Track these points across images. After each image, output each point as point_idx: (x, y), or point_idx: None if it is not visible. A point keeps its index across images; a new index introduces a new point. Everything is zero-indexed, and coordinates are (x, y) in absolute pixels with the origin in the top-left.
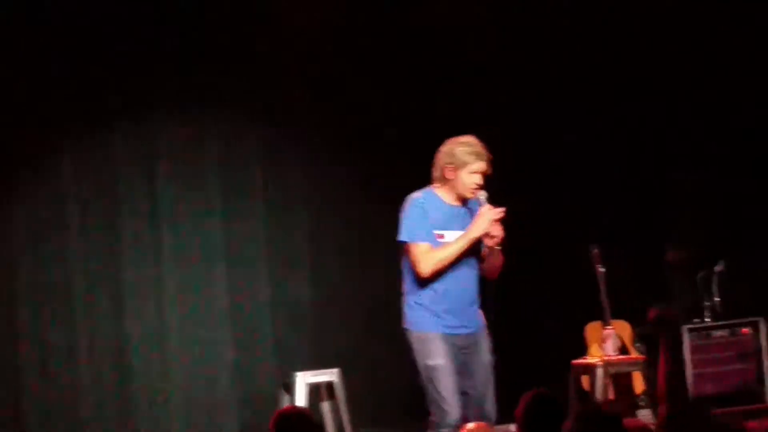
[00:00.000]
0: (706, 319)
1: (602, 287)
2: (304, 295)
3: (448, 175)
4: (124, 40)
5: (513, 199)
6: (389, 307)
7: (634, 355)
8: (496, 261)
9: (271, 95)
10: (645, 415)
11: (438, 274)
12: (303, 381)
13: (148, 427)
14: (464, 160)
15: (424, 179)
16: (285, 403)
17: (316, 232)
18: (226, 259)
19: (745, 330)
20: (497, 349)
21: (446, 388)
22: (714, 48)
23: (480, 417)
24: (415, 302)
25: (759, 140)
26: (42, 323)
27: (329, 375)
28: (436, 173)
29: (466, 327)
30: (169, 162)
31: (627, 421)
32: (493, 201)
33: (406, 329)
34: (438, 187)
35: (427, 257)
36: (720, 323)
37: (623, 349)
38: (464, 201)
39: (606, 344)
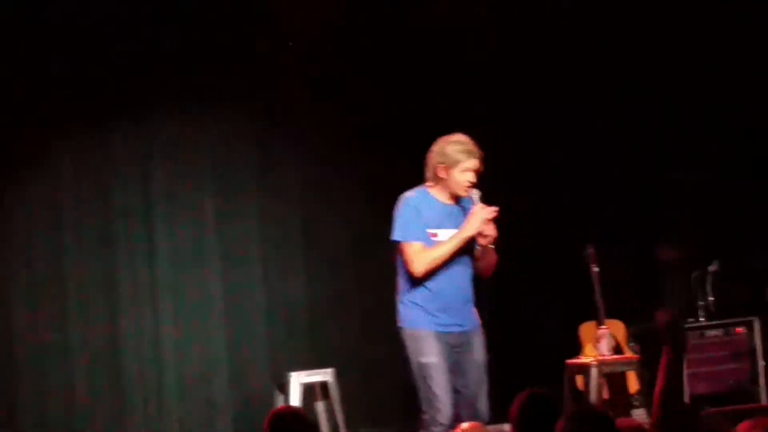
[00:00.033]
0: (700, 319)
1: (596, 287)
2: (299, 295)
3: (441, 174)
4: (124, 40)
5: (513, 199)
6: (383, 307)
7: (629, 354)
8: (490, 260)
9: (271, 95)
10: (639, 415)
11: (432, 273)
12: (297, 381)
13: (143, 427)
14: (456, 158)
15: (423, 179)
16: (279, 402)
17: (312, 232)
18: (221, 259)
19: (739, 329)
20: (492, 348)
21: (439, 386)
22: (714, 48)
23: (473, 416)
24: (409, 300)
25: (759, 140)
26: (37, 324)
27: (323, 375)
28: (428, 173)
29: (459, 325)
30: (165, 162)
31: (621, 421)
32: (493, 200)
33: (400, 327)
34: (431, 186)
35: (420, 257)
36: (714, 323)
37: (617, 349)
38: (457, 199)
39: (600, 344)
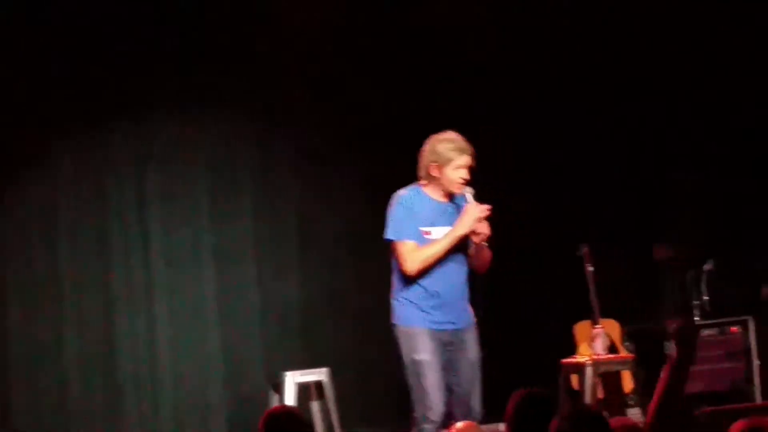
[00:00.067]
0: (696, 318)
1: (591, 286)
2: (294, 294)
3: (434, 172)
4: (124, 40)
5: (512, 199)
6: (378, 306)
7: (624, 354)
8: (484, 257)
9: (271, 95)
10: (634, 414)
11: (426, 271)
12: (292, 380)
13: (137, 427)
14: (448, 156)
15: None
16: (274, 402)
17: (307, 232)
18: (216, 259)
19: (734, 329)
20: (487, 346)
21: (430, 384)
22: (714, 48)
23: (466, 414)
24: (403, 298)
25: (756, 140)
26: (31, 323)
27: (318, 374)
28: (421, 172)
29: (453, 323)
30: (165, 162)
31: (616, 420)
32: (493, 200)
33: (393, 324)
34: (425, 184)
35: (412, 256)
36: (709, 322)
37: (612, 348)
38: (451, 197)
39: (595, 343)
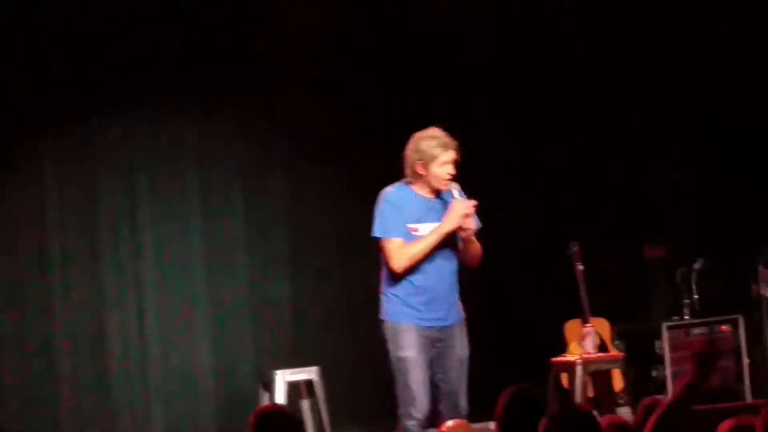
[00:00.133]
0: (685, 317)
1: (581, 285)
2: (284, 293)
3: (420, 170)
4: (124, 40)
5: (513, 199)
6: (369, 305)
7: (614, 352)
8: (474, 251)
9: (271, 95)
10: (624, 413)
11: (414, 267)
12: (282, 379)
13: (127, 425)
14: (432, 153)
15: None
16: (264, 401)
17: (299, 231)
18: (207, 257)
19: (725, 327)
20: (479, 344)
21: (414, 381)
22: (714, 48)
23: (452, 411)
24: (392, 294)
25: (759, 140)
26: (20, 322)
27: (308, 373)
28: (407, 171)
29: (441, 320)
30: (164, 161)
31: (606, 419)
32: (493, 200)
33: (381, 320)
34: (411, 181)
35: (399, 253)
36: (699, 320)
37: (602, 347)
38: (438, 193)
39: (585, 342)
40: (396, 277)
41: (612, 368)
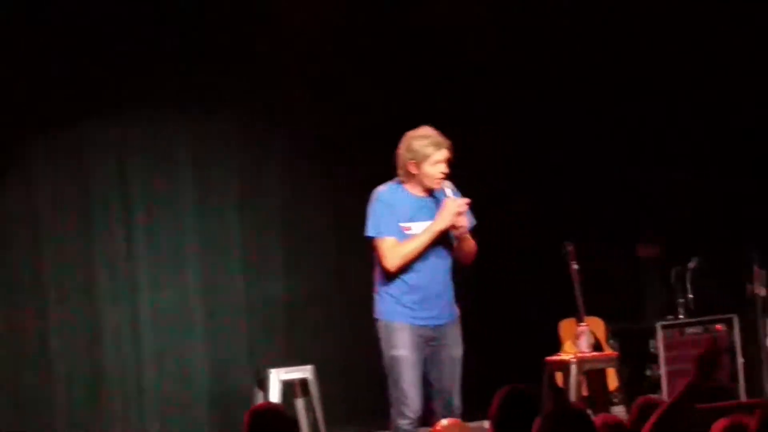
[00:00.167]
0: (680, 316)
1: (576, 284)
2: (279, 291)
3: (412, 170)
4: (124, 40)
5: (512, 199)
6: (364, 304)
7: (608, 351)
8: (468, 248)
9: (271, 95)
10: (619, 412)
11: (408, 266)
12: (277, 378)
13: (121, 424)
14: (425, 152)
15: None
16: (259, 399)
17: (294, 230)
18: (201, 256)
19: (719, 327)
20: (473, 343)
21: (407, 380)
22: (714, 48)
23: (445, 410)
24: (385, 292)
25: (759, 140)
26: (13, 320)
27: (303, 372)
28: (400, 171)
29: (435, 318)
30: (164, 161)
31: (600, 417)
32: (492, 199)
33: (375, 319)
34: (404, 180)
35: (392, 252)
36: (693, 320)
37: (597, 346)
38: (430, 192)
39: (580, 341)
40: (389, 276)
41: (606, 367)
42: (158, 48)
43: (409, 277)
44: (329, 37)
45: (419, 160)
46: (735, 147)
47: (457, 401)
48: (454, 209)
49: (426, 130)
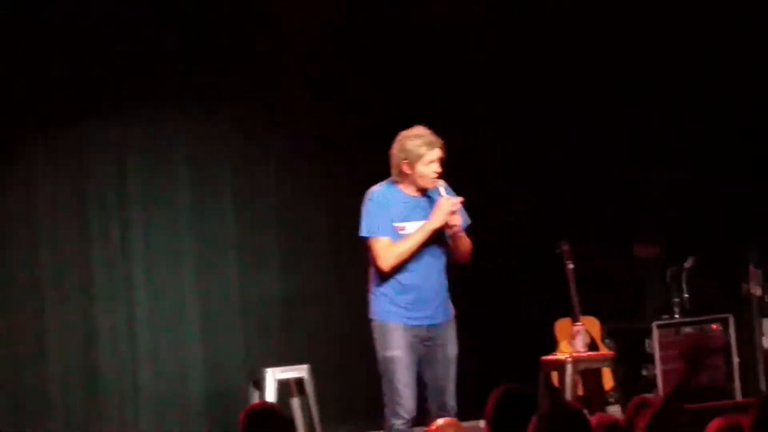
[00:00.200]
0: (676, 316)
1: (571, 284)
2: (274, 291)
3: (406, 170)
4: (124, 40)
5: (512, 199)
6: (359, 304)
7: (604, 351)
8: (464, 247)
9: (271, 95)
10: (614, 411)
11: (402, 266)
12: (273, 377)
13: (117, 424)
14: (418, 152)
15: None
16: (255, 399)
17: (290, 230)
18: (196, 256)
19: (715, 326)
20: (469, 343)
21: (401, 381)
22: (714, 48)
23: (440, 409)
24: (379, 292)
25: (758, 140)
26: (10, 321)
27: (299, 371)
28: (394, 171)
29: (430, 318)
30: (163, 161)
31: (596, 417)
32: (492, 199)
33: (370, 319)
34: (398, 180)
35: (386, 252)
36: (689, 319)
37: (593, 346)
38: (424, 191)
39: (575, 340)
40: (384, 276)
41: (602, 367)
42: (158, 48)
43: (403, 277)
44: (329, 37)
45: (412, 159)
46: (734, 147)
47: (452, 401)
48: (448, 208)
49: (419, 130)
